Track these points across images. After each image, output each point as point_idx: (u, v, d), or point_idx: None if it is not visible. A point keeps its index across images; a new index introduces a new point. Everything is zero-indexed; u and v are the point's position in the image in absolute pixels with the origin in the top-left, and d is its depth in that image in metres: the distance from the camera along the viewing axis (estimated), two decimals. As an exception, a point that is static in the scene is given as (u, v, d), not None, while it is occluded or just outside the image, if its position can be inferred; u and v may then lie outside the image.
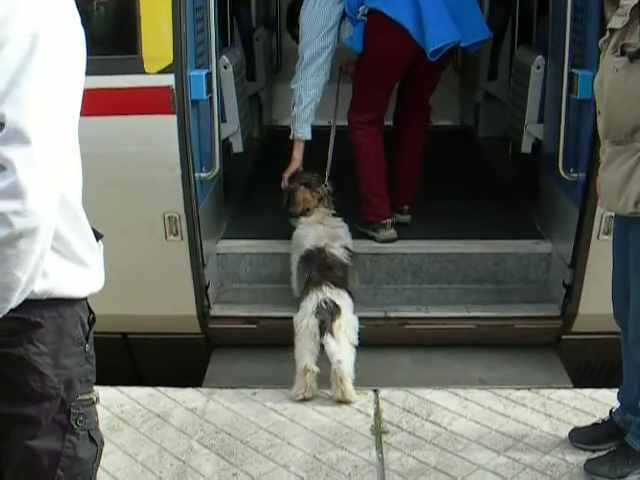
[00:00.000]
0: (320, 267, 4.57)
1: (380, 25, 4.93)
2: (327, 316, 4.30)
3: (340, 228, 4.94)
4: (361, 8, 4.98)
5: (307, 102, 5.08)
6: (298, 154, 5.22)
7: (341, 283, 4.53)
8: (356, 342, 4.40)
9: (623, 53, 3.13)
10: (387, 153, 5.40)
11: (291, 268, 4.94)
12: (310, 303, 4.38)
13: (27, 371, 1.98)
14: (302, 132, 5.15)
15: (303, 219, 4.98)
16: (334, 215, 5.02)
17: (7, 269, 1.78)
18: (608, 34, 3.27)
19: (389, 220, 5.30)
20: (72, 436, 2.09)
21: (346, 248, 4.79)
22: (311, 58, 5.06)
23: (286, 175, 5.23)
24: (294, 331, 4.40)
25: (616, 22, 3.20)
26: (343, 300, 4.44)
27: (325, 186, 5.11)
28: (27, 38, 1.77)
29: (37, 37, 1.77)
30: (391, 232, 5.28)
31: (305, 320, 4.34)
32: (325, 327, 4.28)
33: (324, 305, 4.34)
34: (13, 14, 1.78)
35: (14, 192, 1.72)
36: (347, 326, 4.37)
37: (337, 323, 4.31)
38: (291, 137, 5.22)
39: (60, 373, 2.03)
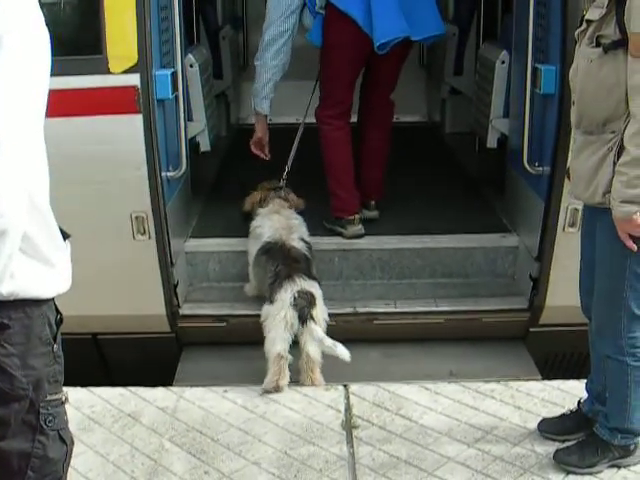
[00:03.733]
0: (286, 260, 4.62)
1: (334, 18, 5.05)
2: (305, 305, 4.39)
3: (295, 220, 5.00)
4: (318, 1, 5.09)
5: (266, 80, 5.23)
6: (259, 126, 5.43)
7: (310, 275, 4.61)
8: (325, 330, 4.50)
9: (598, 44, 3.16)
10: (353, 149, 5.43)
11: (248, 259, 4.97)
12: (286, 295, 4.44)
13: None
14: (261, 107, 5.34)
15: (260, 210, 5.06)
16: (290, 207, 5.09)
17: None
18: (585, 25, 3.28)
19: (357, 216, 5.34)
20: (42, 436, 2.09)
21: (303, 240, 4.85)
22: (271, 39, 5.17)
23: (252, 143, 5.44)
24: (265, 322, 4.48)
25: (593, 14, 3.21)
26: (316, 290, 4.53)
27: (284, 180, 5.22)
28: None
29: (1, 38, 1.77)
30: (359, 227, 5.32)
31: (282, 312, 4.40)
32: (305, 316, 4.37)
33: (302, 295, 4.42)
34: None
35: None
36: (321, 316, 4.48)
37: (315, 312, 4.42)
38: (252, 109, 5.43)
39: (29, 374, 2.02)
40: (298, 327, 4.40)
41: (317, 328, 4.40)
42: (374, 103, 5.51)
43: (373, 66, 5.33)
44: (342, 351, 4.37)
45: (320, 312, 4.48)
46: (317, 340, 4.39)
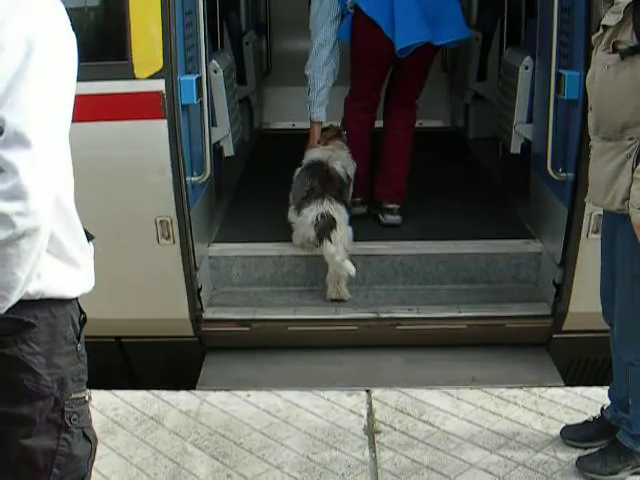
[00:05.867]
0: (322, 179, 5.04)
1: (361, 19, 5.21)
2: (325, 227, 4.89)
3: (342, 151, 5.42)
4: (348, 1, 5.25)
5: (320, 87, 5.42)
6: (316, 133, 5.57)
7: (339, 196, 5.08)
8: (350, 250, 4.99)
9: (615, 50, 3.15)
10: (378, 151, 5.63)
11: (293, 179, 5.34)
12: (311, 214, 4.95)
13: (21, 371, 2.00)
14: (318, 115, 5.51)
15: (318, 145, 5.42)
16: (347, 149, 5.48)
17: (9, 268, 1.81)
18: (601, 30, 3.27)
19: (358, 199, 5.61)
20: (67, 434, 2.11)
21: (344, 168, 5.29)
22: (320, 45, 5.38)
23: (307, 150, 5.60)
24: (291, 224, 5.15)
25: (610, 19, 3.20)
26: (340, 214, 4.99)
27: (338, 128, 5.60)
28: (23, 43, 1.80)
29: (33, 41, 1.80)
30: (360, 209, 5.61)
31: (302, 229, 5.01)
32: (322, 237, 4.88)
33: (324, 217, 4.91)
34: (8, 19, 1.81)
35: (17, 193, 1.76)
36: (343, 237, 4.94)
37: (334, 234, 4.89)
38: (309, 118, 5.57)
39: (53, 372, 2.05)
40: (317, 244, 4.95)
41: (330, 245, 4.85)
42: (397, 105, 5.65)
43: (399, 69, 5.46)
44: (348, 266, 4.87)
45: (340, 234, 4.91)
46: (328, 256, 4.86)
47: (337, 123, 5.71)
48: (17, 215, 1.76)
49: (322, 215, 4.93)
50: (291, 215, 5.15)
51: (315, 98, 5.44)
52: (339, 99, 5.68)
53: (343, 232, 4.95)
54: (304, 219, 4.97)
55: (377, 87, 5.56)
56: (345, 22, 5.35)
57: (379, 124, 5.77)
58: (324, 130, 5.56)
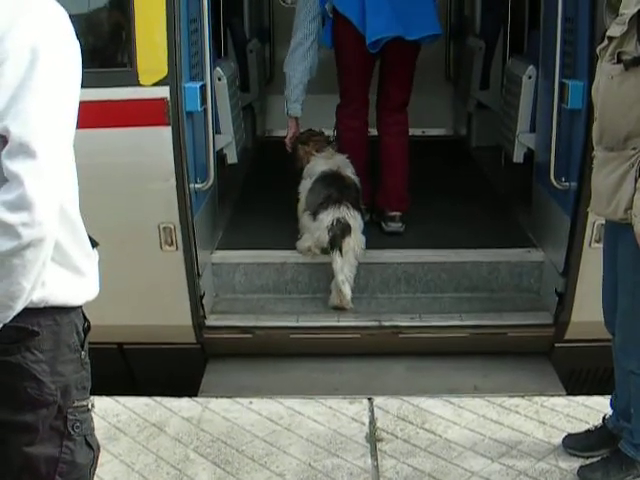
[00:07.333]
0: (340, 186, 5.07)
1: (339, 20, 5.33)
2: (338, 233, 4.93)
3: (347, 159, 5.42)
4: (326, 5, 5.37)
5: (295, 84, 5.50)
6: (292, 126, 5.67)
7: (356, 204, 5.11)
8: (361, 258, 5.03)
9: (619, 61, 3.16)
10: (375, 159, 5.67)
11: (299, 196, 5.34)
12: (327, 218, 4.99)
13: (25, 378, 2.01)
14: (293, 110, 5.60)
15: (316, 153, 5.43)
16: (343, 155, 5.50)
17: (14, 278, 1.82)
18: (606, 41, 3.28)
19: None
20: (69, 442, 2.12)
21: (356, 176, 5.33)
22: (297, 44, 5.48)
23: (287, 140, 5.67)
24: (302, 229, 5.19)
25: (614, 30, 3.22)
26: (356, 221, 5.04)
27: (329, 136, 5.64)
28: (27, 52, 1.80)
29: (36, 51, 1.80)
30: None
31: (317, 233, 5.02)
32: (334, 245, 4.92)
33: (339, 223, 4.96)
34: (12, 29, 1.81)
35: (22, 204, 1.76)
36: (355, 244, 4.99)
37: (347, 241, 4.94)
38: (286, 114, 5.65)
39: (57, 380, 2.05)
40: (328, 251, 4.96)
41: (338, 260, 4.88)
42: (387, 111, 5.69)
43: (382, 70, 5.59)
44: (345, 290, 4.88)
45: (353, 243, 4.96)
46: (335, 271, 4.88)
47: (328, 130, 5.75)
48: (22, 226, 1.77)
49: (338, 220, 4.97)
50: (305, 221, 5.16)
51: (291, 94, 5.53)
52: (332, 109, 5.73)
53: (357, 239, 4.99)
54: (320, 223, 5.01)
55: (362, 87, 5.61)
56: (326, 27, 5.45)
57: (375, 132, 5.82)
58: (313, 136, 5.60)
